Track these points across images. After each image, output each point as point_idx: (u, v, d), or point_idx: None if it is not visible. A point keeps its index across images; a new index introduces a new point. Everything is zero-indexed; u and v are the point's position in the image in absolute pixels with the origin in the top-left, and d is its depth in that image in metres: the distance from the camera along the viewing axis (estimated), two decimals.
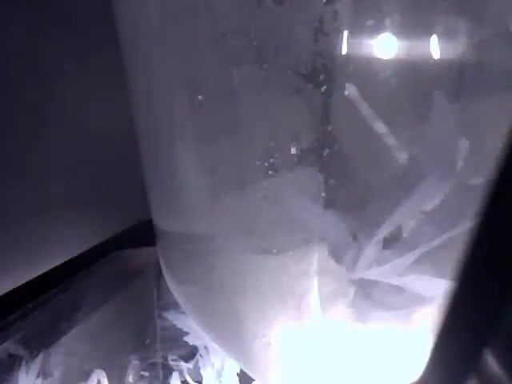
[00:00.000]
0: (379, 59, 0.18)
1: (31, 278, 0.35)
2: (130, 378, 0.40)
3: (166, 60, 0.22)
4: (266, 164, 0.20)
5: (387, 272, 0.20)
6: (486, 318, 0.11)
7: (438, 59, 0.18)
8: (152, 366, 0.43)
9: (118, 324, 0.39)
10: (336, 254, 0.20)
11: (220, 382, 0.41)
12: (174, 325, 0.41)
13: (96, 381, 0.35)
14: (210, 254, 0.23)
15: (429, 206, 0.19)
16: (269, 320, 0.23)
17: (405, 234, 0.19)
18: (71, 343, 0.34)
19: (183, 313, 0.40)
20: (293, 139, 0.19)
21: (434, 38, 0.17)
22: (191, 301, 0.28)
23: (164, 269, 0.29)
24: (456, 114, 0.18)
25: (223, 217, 0.22)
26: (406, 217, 0.19)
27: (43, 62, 0.33)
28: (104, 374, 0.36)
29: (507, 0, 0.17)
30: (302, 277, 0.21)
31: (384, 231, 0.19)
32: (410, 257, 0.19)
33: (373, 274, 0.20)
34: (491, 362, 0.12)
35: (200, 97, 0.21)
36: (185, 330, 0.41)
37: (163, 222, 0.27)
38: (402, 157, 0.19)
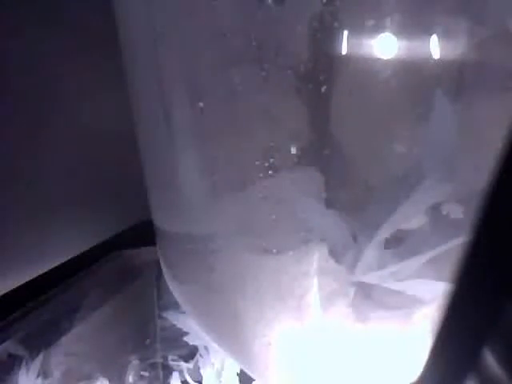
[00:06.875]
0: (379, 59, 0.18)
1: (31, 277, 0.35)
2: (130, 378, 0.40)
3: (166, 60, 0.22)
4: (266, 164, 0.20)
5: (387, 276, 0.20)
6: (486, 318, 0.11)
7: (438, 59, 0.18)
8: (152, 366, 0.43)
9: (118, 324, 0.39)
10: (336, 255, 0.20)
11: (220, 382, 0.41)
12: (174, 325, 0.41)
13: None
14: (210, 254, 0.23)
15: (432, 213, 0.19)
16: (269, 320, 0.23)
17: (407, 237, 0.19)
18: (71, 343, 0.34)
19: (183, 313, 0.40)
20: (293, 139, 0.19)
21: (434, 38, 0.17)
22: (191, 301, 0.28)
23: (164, 269, 0.29)
24: (456, 114, 0.18)
25: (223, 217, 0.22)
26: (406, 217, 0.19)
27: (43, 61, 0.33)
28: (107, 382, 0.36)
29: (507, 0, 0.17)
30: (302, 277, 0.21)
31: (384, 232, 0.19)
32: (411, 263, 0.19)
33: (372, 277, 0.20)
34: (491, 362, 0.12)
35: (200, 97, 0.21)
36: (185, 330, 0.41)
37: (163, 221, 0.27)
38: (402, 157, 0.19)
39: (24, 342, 0.31)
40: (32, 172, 0.34)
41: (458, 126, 0.18)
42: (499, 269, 0.11)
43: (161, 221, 0.27)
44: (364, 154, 0.20)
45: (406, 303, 0.20)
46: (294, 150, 0.19)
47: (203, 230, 0.24)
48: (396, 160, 0.19)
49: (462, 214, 0.18)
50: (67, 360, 0.34)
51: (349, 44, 0.18)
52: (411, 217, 0.19)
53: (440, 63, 0.18)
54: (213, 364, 0.41)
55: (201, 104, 0.21)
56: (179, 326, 0.41)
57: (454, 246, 0.18)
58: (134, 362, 0.41)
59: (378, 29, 0.17)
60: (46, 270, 0.36)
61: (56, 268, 0.37)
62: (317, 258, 0.20)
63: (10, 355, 0.30)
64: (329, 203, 0.20)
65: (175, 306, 0.41)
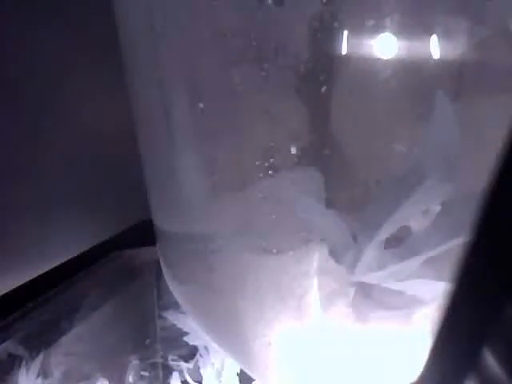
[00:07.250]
0: (379, 59, 0.18)
1: (31, 277, 0.35)
2: (130, 378, 0.40)
3: (166, 60, 0.22)
4: (266, 164, 0.20)
5: (387, 276, 0.20)
6: (486, 318, 0.11)
7: (438, 59, 0.18)
8: (152, 366, 0.43)
9: (118, 324, 0.39)
10: (336, 255, 0.20)
11: (220, 382, 0.41)
12: (174, 325, 0.41)
13: None
14: (210, 254, 0.23)
15: (433, 213, 0.19)
16: (269, 320, 0.23)
17: (407, 237, 0.19)
18: (71, 343, 0.34)
19: (183, 313, 0.40)
20: (293, 139, 0.19)
21: (434, 38, 0.17)
22: (191, 301, 0.28)
23: (164, 269, 0.29)
24: (456, 114, 0.18)
25: (223, 217, 0.22)
26: (406, 218, 0.19)
27: (43, 61, 0.33)
28: (107, 382, 0.36)
29: (507, 0, 0.17)
30: (302, 277, 0.21)
31: (384, 232, 0.19)
32: (411, 263, 0.19)
33: (372, 277, 0.20)
34: (491, 362, 0.12)
35: (200, 97, 0.21)
36: (185, 330, 0.41)
37: (163, 221, 0.27)
38: (403, 157, 0.19)
39: (24, 342, 0.31)
40: (32, 172, 0.34)
41: (458, 125, 0.18)
42: (499, 269, 0.11)
43: (161, 221, 0.27)
44: (364, 154, 0.20)
45: (406, 303, 0.20)
46: (294, 150, 0.19)
47: (203, 230, 0.24)
48: (396, 160, 0.19)
49: (462, 214, 0.18)
50: (67, 360, 0.34)
51: (349, 44, 0.18)
52: (411, 217, 0.19)
53: (440, 63, 0.18)
54: (213, 364, 0.41)
55: (201, 104, 0.21)
56: (179, 325, 0.41)
57: (454, 245, 0.18)
58: (134, 362, 0.41)
59: (377, 29, 0.17)
60: (46, 269, 0.36)
61: (56, 268, 0.37)
62: (317, 257, 0.20)
63: (10, 355, 0.30)
64: (329, 203, 0.20)
65: (175, 306, 0.41)
